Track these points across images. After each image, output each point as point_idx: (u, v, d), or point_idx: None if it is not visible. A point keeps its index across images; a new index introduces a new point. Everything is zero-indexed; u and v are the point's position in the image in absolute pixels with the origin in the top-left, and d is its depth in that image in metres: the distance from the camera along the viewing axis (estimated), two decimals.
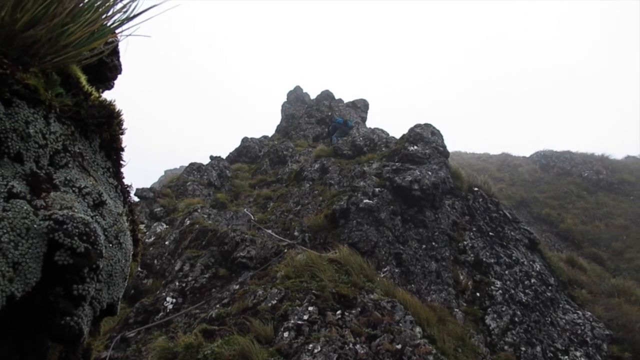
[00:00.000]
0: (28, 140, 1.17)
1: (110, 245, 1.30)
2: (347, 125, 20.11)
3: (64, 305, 1.09)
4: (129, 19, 1.55)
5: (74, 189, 1.25)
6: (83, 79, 1.49)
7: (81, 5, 1.35)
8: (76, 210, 1.16)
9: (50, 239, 1.07)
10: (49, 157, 1.25)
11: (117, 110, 1.54)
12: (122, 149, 1.63)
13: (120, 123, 1.57)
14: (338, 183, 14.44)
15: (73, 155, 1.34)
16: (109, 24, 1.46)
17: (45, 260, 1.07)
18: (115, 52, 2.32)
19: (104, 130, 1.50)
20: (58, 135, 1.30)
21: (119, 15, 1.50)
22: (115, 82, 2.44)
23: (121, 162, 1.63)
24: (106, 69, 2.24)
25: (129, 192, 1.67)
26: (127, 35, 1.57)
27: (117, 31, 1.62)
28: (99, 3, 1.41)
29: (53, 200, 1.14)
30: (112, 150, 1.57)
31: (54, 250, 1.08)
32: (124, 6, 1.47)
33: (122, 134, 1.60)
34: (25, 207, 1.08)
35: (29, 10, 1.20)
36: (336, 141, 18.81)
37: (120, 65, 2.40)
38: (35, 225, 1.07)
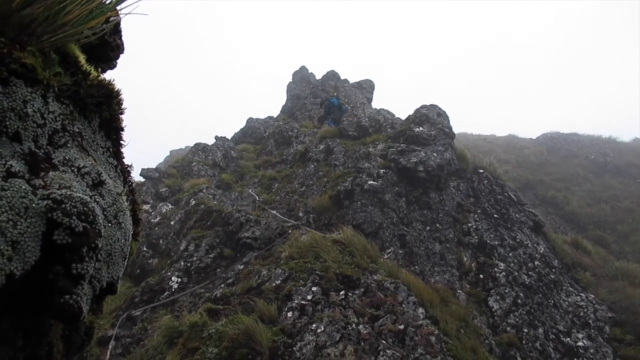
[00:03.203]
0: (26, 119, 1.17)
1: (110, 224, 1.31)
2: (340, 109, 19.49)
3: (64, 283, 1.10)
4: None
5: (72, 168, 1.26)
6: (82, 58, 1.48)
7: None
8: (75, 189, 1.16)
9: (49, 218, 1.08)
10: (48, 136, 1.25)
11: (116, 89, 1.54)
12: (122, 129, 1.62)
13: (119, 102, 1.57)
14: (343, 164, 14.42)
15: (72, 134, 1.34)
16: (107, 2, 1.45)
17: (44, 240, 1.08)
18: (117, 32, 2.31)
19: (104, 110, 1.50)
20: (57, 114, 1.29)
21: None
22: (118, 61, 2.43)
23: (121, 141, 1.63)
24: (108, 48, 2.23)
25: (129, 172, 1.67)
26: (126, 14, 1.56)
27: (116, 9, 1.61)
28: None
29: (52, 180, 1.15)
30: (112, 130, 1.57)
31: (52, 229, 1.08)
32: None
33: (121, 113, 1.59)
34: (23, 187, 1.08)
35: None
36: (332, 125, 18.52)
37: (122, 44, 2.38)
38: (33, 205, 1.07)
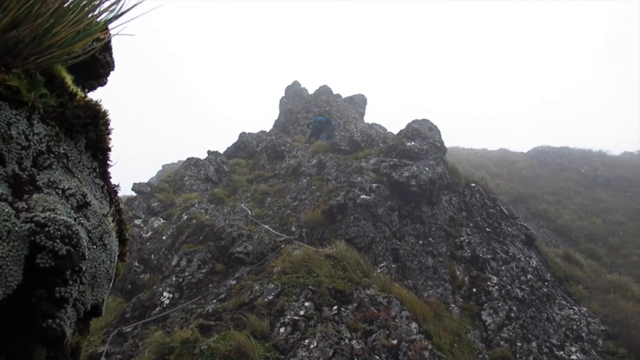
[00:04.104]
0: (10, 141, 1.17)
1: (95, 246, 1.30)
2: (330, 123, 19.60)
3: (46, 307, 1.09)
4: (115, 17, 1.54)
5: (57, 190, 1.25)
6: (68, 79, 1.48)
7: (66, 5, 1.34)
8: (59, 212, 1.16)
9: (32, 242, 1.07)
10: (32, 158, 1.24)
11: (103, 110, 1.54)
12: (109, 149, 1.62)
13: (106, 123, 1.56)
14: (335, 178, 14.44)
15: (57, 156, 1.33)
16: (94, 24, 1.46)
17: (27, 263, 1.07)
18: (107, 49, 2.32)
19: (90, 131, 1.50)
20: (42, 136, 1.29)
21: (105, 14, 1.49)
22: (109, 78, 2.44)
23: (108, 162, 1.63)
24: (98, 65, 2.23)
25: (116, 192, 1.66)
26: (113, 35, 1.57)
27: (107, 27, 1.61)
28: (84, 2, 1.40)
29: (35, 202, 1.14)
30: (99, 151, 1.57)
31: (35, 252, 1.07)
32: (110, 5, 1.46)
33: (108, 133, 1.59)
34: (6, 210, 1.07)
35: (11, 11, 1.20)
36: (324, 140, 18.61)
37: (113, 61, 2.39)
38: (16, 228, 1.06)
